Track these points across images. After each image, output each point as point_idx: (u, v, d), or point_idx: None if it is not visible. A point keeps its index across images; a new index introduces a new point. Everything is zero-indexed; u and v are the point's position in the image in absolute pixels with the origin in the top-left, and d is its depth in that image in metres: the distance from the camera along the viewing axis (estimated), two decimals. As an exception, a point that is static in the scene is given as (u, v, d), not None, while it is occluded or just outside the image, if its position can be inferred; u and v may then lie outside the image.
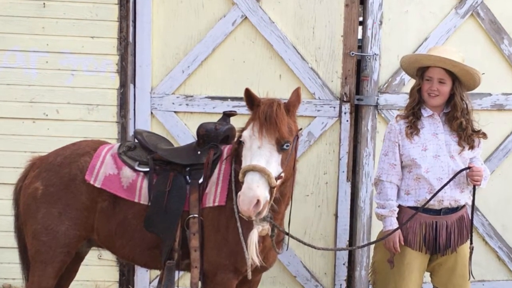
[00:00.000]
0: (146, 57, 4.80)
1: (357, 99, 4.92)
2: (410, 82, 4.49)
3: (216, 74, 4.88)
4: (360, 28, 5.00)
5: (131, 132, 4.78)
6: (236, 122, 3.67)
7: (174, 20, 4.84)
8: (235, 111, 3.83)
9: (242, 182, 3.09)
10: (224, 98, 4.85)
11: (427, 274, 3.97)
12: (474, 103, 4.38)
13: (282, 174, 3.16)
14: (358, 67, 4.98)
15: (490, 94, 5.00)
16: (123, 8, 4.75)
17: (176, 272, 3.54)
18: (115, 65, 4.80)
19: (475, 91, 3.97)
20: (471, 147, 3.75)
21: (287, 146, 3.15)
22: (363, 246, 4.46)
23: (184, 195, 3.49)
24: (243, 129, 3.28)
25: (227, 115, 3.78)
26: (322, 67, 4.91)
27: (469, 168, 3.68)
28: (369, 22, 4.87)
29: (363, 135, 4.96)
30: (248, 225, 3.28)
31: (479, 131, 3.78)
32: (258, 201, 3.02)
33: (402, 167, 3.79)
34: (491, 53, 5.01)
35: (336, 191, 4.99)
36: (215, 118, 3.93)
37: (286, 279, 5.07)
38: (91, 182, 3.57)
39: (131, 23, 4.77)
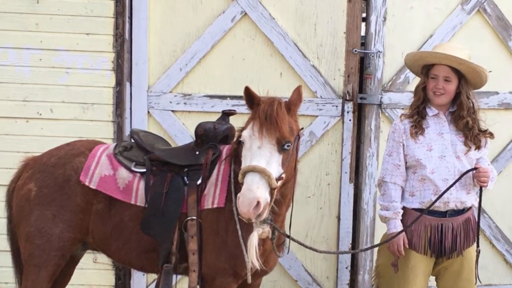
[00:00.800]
0: (142, 54, 4.75)
1: (360, 98, 4.87)
2: (414, 80, 4.45)
3: (215, 72, 4.83)
4: (363, 24, 4.96)
5: (127, 131, 4.74)
6: (236, 122, 3.63)
7: (172, 16, 4.78)
8: (235, 110, 3.78)
9: (242, 183, 3.05)
10: (223, 97, 4.80)
11: (432, 278, 3.93)
12: (480, 101, 4.35)
13: (283, 175, 3.13)
14: (361, 64, 4.94)
15: (497, 93, 4.94)
16: (119, 4, 4.69)
17: (174, 276, 3.51)
18: (111, 63, 4.74)
19: (482, 89, 3.93)
20: (478, 147, 3.71)
21: (288, 146, 3.12)
22: (367, 249, 4.44)
23: (182, 197, 3.46)
24: (242, 129, 3.24)
25: (226, 114, 3.73)
26: (324, 65, 4.86)
27: (475, 169, 3.64)
28: (373, 18, 4.82)
29: (366, 135, 4.91)
30: (248, 227, 3.25)
31: (485, 130, 3.75)
32: (258, 202, 2.98)
33: (407, 168, 3.75)
34: (498, 50, 4.95)
35: (338, 192, 4.94)
36: (214, 117, 3.89)
37: (287, 283, 5.03)
38: (86, 183, 3.54)
39: (127, 19, 4.71)
